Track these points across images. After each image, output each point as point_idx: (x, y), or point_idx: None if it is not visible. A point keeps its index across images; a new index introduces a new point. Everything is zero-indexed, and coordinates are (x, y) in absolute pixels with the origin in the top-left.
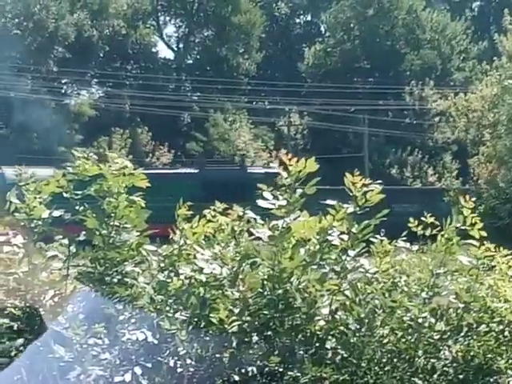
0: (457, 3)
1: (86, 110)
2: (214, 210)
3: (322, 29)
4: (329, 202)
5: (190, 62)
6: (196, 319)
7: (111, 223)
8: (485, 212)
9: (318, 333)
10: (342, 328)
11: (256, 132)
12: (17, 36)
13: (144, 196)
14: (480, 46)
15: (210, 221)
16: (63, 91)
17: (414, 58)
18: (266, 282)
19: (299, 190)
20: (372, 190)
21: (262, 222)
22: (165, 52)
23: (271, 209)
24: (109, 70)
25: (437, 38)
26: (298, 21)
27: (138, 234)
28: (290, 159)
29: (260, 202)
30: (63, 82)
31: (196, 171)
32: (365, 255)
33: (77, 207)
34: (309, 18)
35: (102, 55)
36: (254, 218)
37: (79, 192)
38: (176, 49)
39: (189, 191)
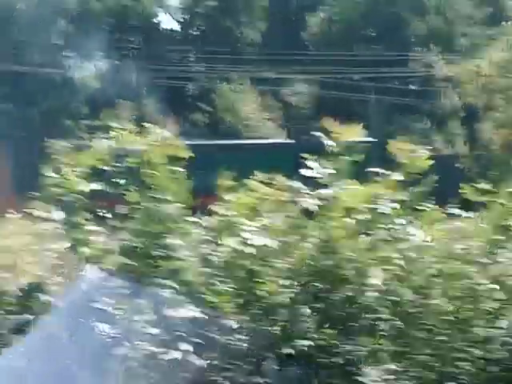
0: None
1: (91, 83)
2: (256, 180)
3: None
4: (376, 169)
5: (195, 32)
6: (244, 292)
7: (152, 196)
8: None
9: (372, 304)
10: (396, 298)
11: (262, 102)
12: (21, 10)
13: (238, 168)
14: (485, 11)
15: (252, 191)
16: (67, 64)
17: (419, 23)
18: (315, 253)
19: (346, 158)
20: (420, 157)
21: (309, 192)
22: (169, 23)
23: (317, 178)
24: (113, 42)
25: (442, 4)
26: None
27: (181, 206)
28: (334, 126)
29: (304, 172)
30: (67, 54)
31: (293, 141)
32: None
33: (117, 180)
34: None
35: (105, 27)
36: (300, 188)
37: (119, 164)
38: (181, 20)
39: (286, 162)
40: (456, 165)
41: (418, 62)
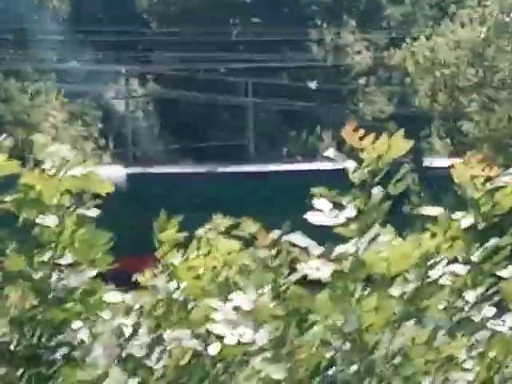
0: None
1: None
2: (213, 229)
3: None
4: (428, 210)
5: None
6: None
7: (48, 259)
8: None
9: None
10: None
11: (73, 109)
12: None
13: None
14: None
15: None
16: None
17: None
18: (332, 353)
19: (376, 191)
20: (503, 188)
21: (318, 250)
22: None
23: (331, 227)
24: None
25: None
26: None
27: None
28: (361, 137)
29: (310, 216)
30: None
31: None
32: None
33: None
34: None
35: None
36: (300, 247)
37: None
38: None
39: None
40: None
41: (321, 43)
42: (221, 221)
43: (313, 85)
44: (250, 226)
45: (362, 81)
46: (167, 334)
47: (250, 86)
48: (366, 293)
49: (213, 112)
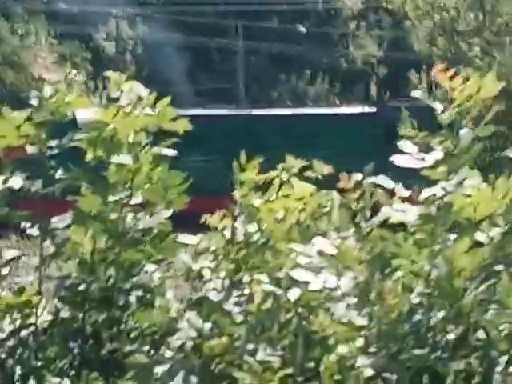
0: None
1: None
2: (286, 170)
3: None
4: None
5: None
6: (295, 368)
7: (123, 200)
8: None
9: None
10: None
11: (62, 51)
12: None
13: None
14: None
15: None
16: None
17: None
18: (418, 299)
19: (466, 133)
20: None
21: (404, 193)
22: None
23: (419, 169)
24: None
25: None
26: None
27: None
28: (452, 76)
29: (397, 159)
30: None
31: (372, 110)
32: None
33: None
34: None
35: None
36: (384, 188)
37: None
38: None
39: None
40: None
41: None
42: (294, 162)
43: (303, 28)
44: (322, 168)
45: (352, 25)
46: (247, 278)
47: (241, 29)
48: (452, 237)
49: (203, 55)
